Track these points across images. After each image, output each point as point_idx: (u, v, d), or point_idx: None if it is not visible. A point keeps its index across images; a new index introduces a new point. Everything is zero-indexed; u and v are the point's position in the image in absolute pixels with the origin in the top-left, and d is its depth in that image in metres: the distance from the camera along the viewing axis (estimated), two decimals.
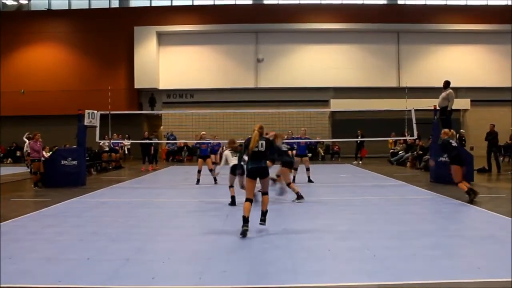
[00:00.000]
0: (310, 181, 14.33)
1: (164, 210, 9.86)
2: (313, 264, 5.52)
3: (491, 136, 18.11)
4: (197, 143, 15.34)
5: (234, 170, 9.82)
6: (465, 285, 4.71)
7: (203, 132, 15.29)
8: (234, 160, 10.10)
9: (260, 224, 7.26)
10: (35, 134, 14.29)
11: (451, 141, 10.88)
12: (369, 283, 4.79)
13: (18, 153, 27.30)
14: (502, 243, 6.45)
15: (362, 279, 4.93)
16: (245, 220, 6.97)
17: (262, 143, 7.35)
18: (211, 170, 14.27)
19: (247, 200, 7.19)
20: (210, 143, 15.21)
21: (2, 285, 4.74)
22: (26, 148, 17.57)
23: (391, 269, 5.25)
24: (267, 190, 7.50)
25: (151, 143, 20.58)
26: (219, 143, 18.76)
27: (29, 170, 16.81)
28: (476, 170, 15.33)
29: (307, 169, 14.49)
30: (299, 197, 10.50)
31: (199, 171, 14.37)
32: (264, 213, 7.35)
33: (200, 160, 14.78)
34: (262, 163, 7.32)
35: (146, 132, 22.59)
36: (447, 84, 14.49)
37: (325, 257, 5.83)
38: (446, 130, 11.60)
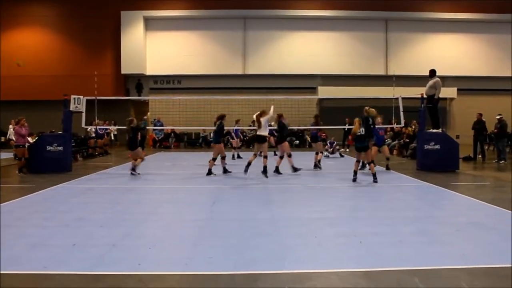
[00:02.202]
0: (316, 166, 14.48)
1: (152, 196, 9.83)
2: (300, 250, 5.55)
3: (479, 125, 18.31)
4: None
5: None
6: (449, 271, 4.76)
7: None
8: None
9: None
10: (20, 119, 14.03)
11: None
12: (355, 270, 4.82)
13: (2, 139, 26.91)
14: (486, 229, 6.56)
15: (348, 265, 4.96)
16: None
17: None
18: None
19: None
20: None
21: None
22: (9, 134, 17.32)
23: (377, 255, 5.30)
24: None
25: (138, 130, 20.39)
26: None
27: (13, 156, 16.57)
28: (462, 158, 15.48)
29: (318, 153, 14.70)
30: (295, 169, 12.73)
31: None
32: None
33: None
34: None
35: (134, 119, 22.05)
36: (433, 73, 14.57)
37: (312, 244, 5.85)
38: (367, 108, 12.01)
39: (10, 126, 16.88)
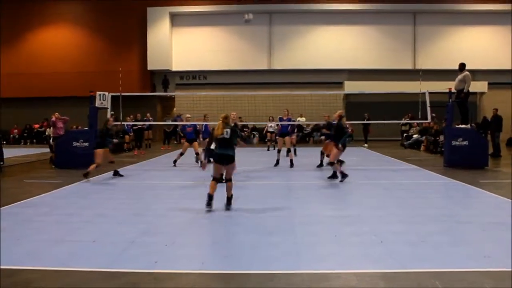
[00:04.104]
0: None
1: (173, 193, 9.84)
2: (318, 249, 5.47)
3: (495, 121, 18.05)
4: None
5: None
6: (472, 274, 4.61)
7: (188, 115, 15.49)
8: None
9: (226, 209, 7.60)
10: (57, 117, 15.04)
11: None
12: (374, 270, 4.71)
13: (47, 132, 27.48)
14: None
15: (366, 265, 4.87)
16: (210, 197, 7.52)
17: (227, 131, 7.75)
18: (197, 154, 14.35)
19: (214, 179, 7.74)
20: (195, 125, 15.06)
21: (7, 267, 4.78)
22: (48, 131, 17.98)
23: (396, 255, 5.17)
24: (230, 177, 7.83)
25: (144, 127, 20.72)
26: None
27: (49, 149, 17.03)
28: (490, 154, 15.04)
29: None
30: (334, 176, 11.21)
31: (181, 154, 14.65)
32: (229, 199, 7.80)
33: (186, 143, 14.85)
34: (229, 151, 7.74)
35: (139, 114, 21.78)
36: (462, 66, 14.17)
37: (330, 242, 5.76)
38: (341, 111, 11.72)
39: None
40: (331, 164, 11.15)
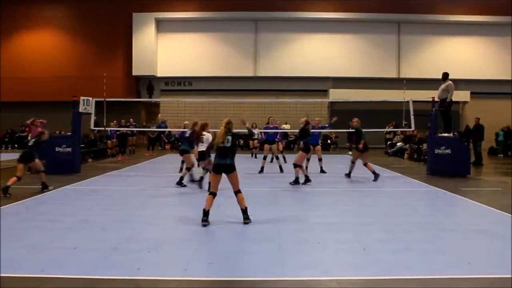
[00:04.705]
0: (322, 171, 14.24)
1: (157, 199, 9.75)
2: (302, 256, 5.46)
3: (477, 130, 18.47)
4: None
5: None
6: (454, 281, 4.64)
7: (186, 122, 14.31)
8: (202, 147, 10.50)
9: (245, 223, 7.10)
10: (33, 120, 14.27)
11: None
12: (356, 277, 4.72)
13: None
14: (495, 237, 6.40)
15: (349, 272, 4.87)
16: (205, 213, 6.99)
17: (228, 139, 7.25)
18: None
19: (210, 193, 7.18)
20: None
21: None
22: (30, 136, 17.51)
23: (380, 262, 5.19)
24: (237, 188, 7.25)
25: (127, 132, 20.55)
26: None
27: None
28: (472, 163, 15.24)
29: (320, 160, 14.40)
30: (296, 181, 11.51)
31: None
32: (244, 211, 7.23)
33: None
34: (227, 160, 7.16)
35: (123, 120, 21.44)
36: (446, 75, 14.37)
37: (314, 250, 5.76)
38: (357, 119, 13.15)
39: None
40: (294, 166, 11.50)
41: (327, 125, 16.46)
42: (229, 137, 7.22)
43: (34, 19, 28.92)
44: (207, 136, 10.47)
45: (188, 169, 11.31)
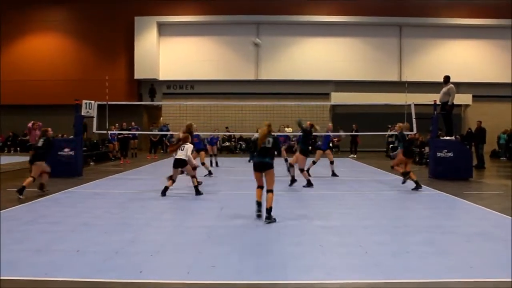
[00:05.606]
0: (334, 174, 14.28)
1: (158, 202, 9.76)
2: (304, 259, 5.46)
3: (479, 133, 18.42)
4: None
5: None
6: (456, 284, 4.64)
7: (194, 125, 14.58)
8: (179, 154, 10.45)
9: (267, 222, 7.35)
10: (34, 123, 14.24)
11: (405, 133, 12.25)
12: (358, 281, 4.72)
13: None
14: (496, 241, 6.38)
15: (351, 275, 4.87)
16: (258, 204, 7.69)
17: (269, 140, 7.81)
18: (203, 164, 14.18)
19: (258, 187, 7.79)
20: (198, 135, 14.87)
21: None
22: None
23: (381, 266, 5.18)
24: (271, 187, 7.66)
25: (129, 136, 20.62)
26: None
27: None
28: (474, 166, 15.22)
29: (331, 162, 14.47)
30: (309, 184, 11.71)
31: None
32: (268, 211, 7.46)
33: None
34: (266, 158, 7.72)
35: (125, 123, 21.63)
36: (447, 79, 14.37)
37: (316, 253, 5.76)
38: (401, 124, 12.95)
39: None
40: (301, 170, 11.79)
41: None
42: (270, 139, 7.81)
43: (36, 23, 29.03)
44: (188, 146, 10.55)
45: (193, 176, 11.03)
